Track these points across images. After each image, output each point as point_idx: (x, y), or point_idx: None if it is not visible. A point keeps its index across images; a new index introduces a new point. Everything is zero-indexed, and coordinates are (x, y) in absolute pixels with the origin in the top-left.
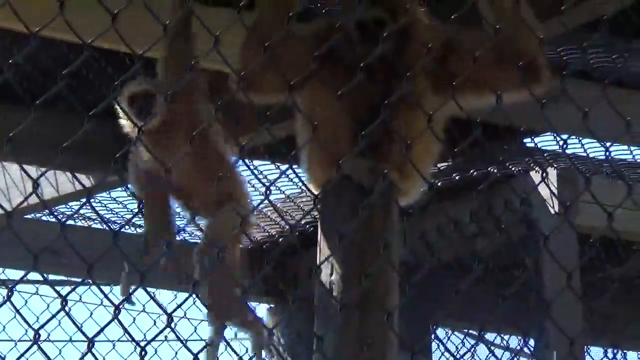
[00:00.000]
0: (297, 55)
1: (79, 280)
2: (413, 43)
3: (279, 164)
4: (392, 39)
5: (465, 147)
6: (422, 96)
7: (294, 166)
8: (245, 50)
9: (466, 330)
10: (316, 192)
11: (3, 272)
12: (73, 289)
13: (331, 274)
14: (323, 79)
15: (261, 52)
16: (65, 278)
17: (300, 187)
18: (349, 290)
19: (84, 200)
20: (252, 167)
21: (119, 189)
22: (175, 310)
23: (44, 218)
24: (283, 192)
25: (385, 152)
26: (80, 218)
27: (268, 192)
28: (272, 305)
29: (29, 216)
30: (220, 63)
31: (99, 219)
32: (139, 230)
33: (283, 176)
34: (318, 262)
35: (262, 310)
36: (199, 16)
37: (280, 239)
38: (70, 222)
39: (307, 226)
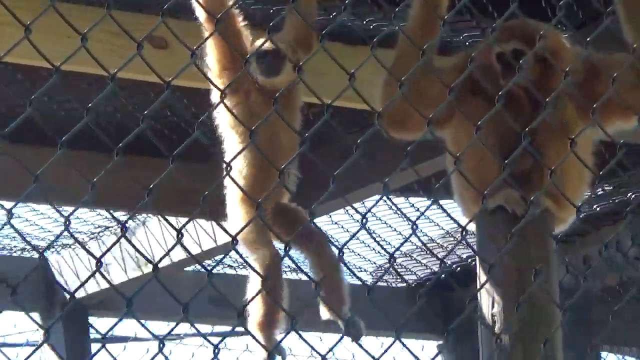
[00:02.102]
0: (439, 90)
1: None
2: (556, 70)
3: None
4: (534, 68)
5: (617, 171)
6: (569, 121)
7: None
8: (387, 87)
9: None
10: (470, 225)
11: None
12: None
13: (492, 307)
14: (468, 113)
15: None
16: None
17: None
18: (510, 321)
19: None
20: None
21: None
22: None
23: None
24: (442, 227)
25: (537, 180)
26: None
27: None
28: (441, 342)
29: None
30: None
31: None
32: None
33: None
34: (478, 296)
35: (432, 346)
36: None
37: (442, 275)
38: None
39: (470, 260)
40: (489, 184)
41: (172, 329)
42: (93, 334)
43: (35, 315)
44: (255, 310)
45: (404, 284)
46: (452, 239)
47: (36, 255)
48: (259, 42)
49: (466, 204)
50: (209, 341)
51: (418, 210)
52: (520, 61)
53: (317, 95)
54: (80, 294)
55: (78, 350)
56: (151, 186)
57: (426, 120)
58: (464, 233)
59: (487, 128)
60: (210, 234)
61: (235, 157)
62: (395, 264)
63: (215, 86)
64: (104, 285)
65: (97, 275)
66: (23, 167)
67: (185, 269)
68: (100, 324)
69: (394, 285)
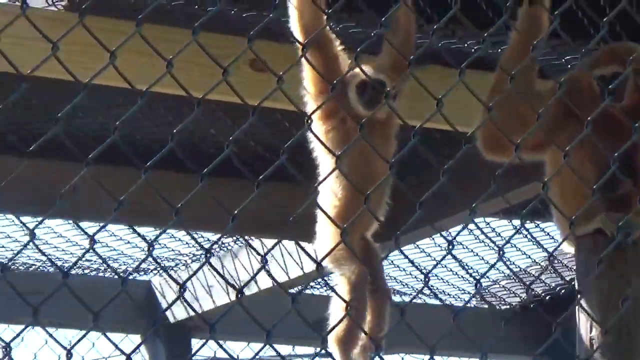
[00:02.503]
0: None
1: None
2: None
3: (538, 223)
4: (634, 92)
5: None
6: None
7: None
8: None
9: None
10: (569, 248)
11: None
12: None
13: (590, 331)
14: (569, 135)
15: (507, 111)
16: None
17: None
18: (609, 346)
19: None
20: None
21: None
22: None
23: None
24: (546, 250)
25: (637, 203)
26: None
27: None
28: None
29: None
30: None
31: None
32: None
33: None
34: (577, 320)
35: None
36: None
37: (547, 297)
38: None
39: (559, 289)
40: (589, 208)
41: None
42: (197, 357)
43: (137, 337)
44: (337, 329)
45: (508, 306)
46: (538, 267)
47: (139, 277)
48: (357, 70)
49: (565, 229)
50: None
51: (503, 238)
52: (615, 84)
53: (403, 119)
54: (182, 316)
55: None
56: (236, 211)
57: (520, 144)
58: (551, 259)
59: (584, 152)
60: (297, 260)
61: (321, 182)
62: (483, 289)
63: (301, 110)
64: (207, 307)
65: (200, 296)
66: (159, 194)
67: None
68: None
69: (498, 307)
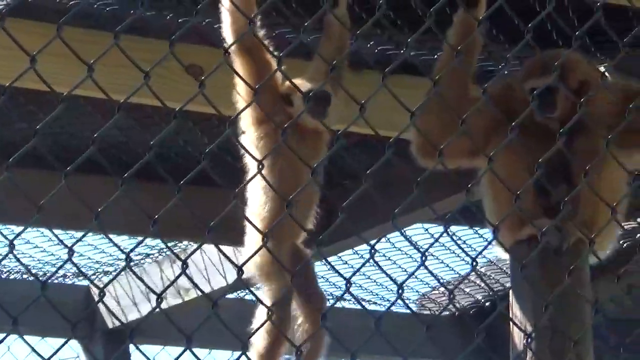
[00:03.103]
0: (477, 118)
1: None
2: (592, 99)
3: (477, 229)
4: (568, 102)
5: None
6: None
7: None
8: (425, 115)
9: None
10: (504, 254)
11: None
12: None
13: (527, 338)
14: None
15: (440, 117)
16: None
17: None
18: (544, 353)
19: None
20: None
21: None
22: None
23: None
24: (485, 256)
25: (572, 210)
26: None
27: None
28: None
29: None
30: None
31: None
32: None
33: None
34: (510, 326)
35: None
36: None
37: (487, 304)
38: None
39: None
40: (523, 215)
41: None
42: None
43: (75, 343)
44: (260, 341)
45: (447, 313)
46: (495, 267)
47: (78, 282)
48: (298, 81)
49: (500, 234)
50: None
51: (460, 239)
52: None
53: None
54: (120, 321)
55: None
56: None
57: (449, 150)
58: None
59: (520, 159)
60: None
61: (243, 186)
62: (438, 292)
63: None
64: (145, 311)
65: (138, 302)
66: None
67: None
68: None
69: (437, 313)
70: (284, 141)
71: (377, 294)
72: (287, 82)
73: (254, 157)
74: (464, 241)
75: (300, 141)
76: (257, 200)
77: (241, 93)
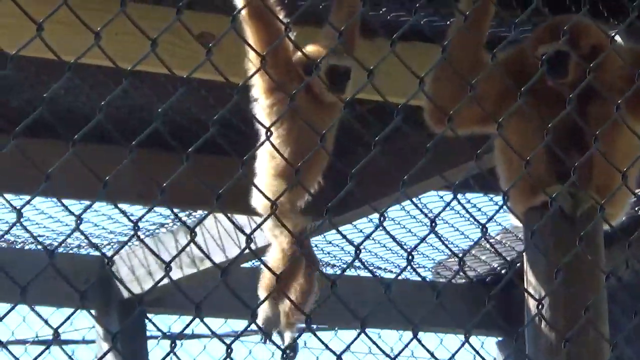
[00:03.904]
0: (488, 84)
1: None
2: (603, 65)
3: (492, 196)
4: (578, 65)
5: None
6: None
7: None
8: (437, 82)
9: None
10: (518, 221)
11: None
12: None
13: (539, 305)
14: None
15: (452, 83)
16: None
17: None
18: (557, 320)
19: None
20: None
21: None
22: None
23: None
24: (500, 223)
25: (585, 176)
26: None
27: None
28: (500, 339)
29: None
30: None
31: None
32: None
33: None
34: (525, 290)
35: (491, 343)
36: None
37: (503, 271)
38: None
39: None
40: (537, 181)
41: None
42: (151, 331)
43: (91, 312)
44: (268, 275)
45: (464, 280)
46: (511, 235)
47: (92, 252)
48: (313, 48)
49: (513, 202)
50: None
51: (475, 206)
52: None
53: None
54: (136, 291)
55: (135, 347)
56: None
57: (456, 116)
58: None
59: (533, 126)
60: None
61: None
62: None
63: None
64: (162, 281)
65: (154, 271)
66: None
67: (243, 265)
68: (157, 320)
69: (453, 281)
70: (291, 107)
71: (392, 262)
72: (302, 51)
73: (262, 125)
74: (479, 208)
75: (316, 109)
76: (266, 166)
77: (252, 60)
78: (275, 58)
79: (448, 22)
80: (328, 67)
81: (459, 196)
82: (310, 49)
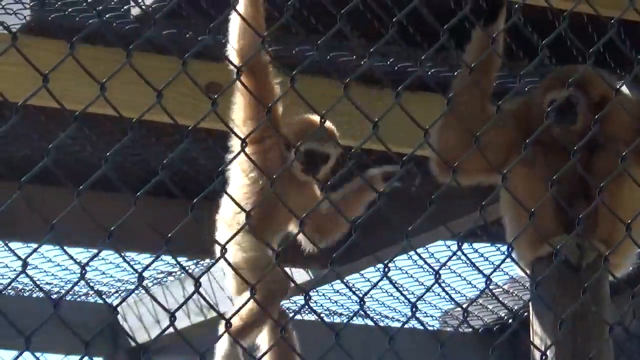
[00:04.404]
0: (494, 136)
1: None
2: (610, 115)
3: (499, 245)
4: (588, 115)
5: None
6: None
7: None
8: (442, 133)
9: None
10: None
11: None
12: None
13: (542, 356)
14: (523, 158)
15: (458, 134)
16: None
17: None
18: None
19: None
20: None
21: None
22: None
23: None
24: (507, 273)
25: (590, 227)
26: None
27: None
28: None
29: None
30: None
31: None
32: None
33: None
34: (531, 342)
35: None
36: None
37: (509, 320)
38: None
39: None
40: (543, 231)
41: None
42: None
43: None
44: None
45: (470, 329)
46: (518, 284)
47: (100, 301)
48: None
49: (520, 252)
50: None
51: (482, 255)
52: (553, 107)
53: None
54: (144, 338)
55: None
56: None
57: (486, 166)
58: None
59: (539, 175)
60: None
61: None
62: (460, 310)
63: (237, 135)
64: (168, 330)
65: (161, 319)
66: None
67: None
68: None
69: (461, 330)
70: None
71: (399, 311)
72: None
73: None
74: (486, 258)
75: (289, 179)
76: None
77: (238, 113)
78: (258, 113)
79: (455, 73)
80: (307, 150)
81: (466, 245)
82: (297, 125)
